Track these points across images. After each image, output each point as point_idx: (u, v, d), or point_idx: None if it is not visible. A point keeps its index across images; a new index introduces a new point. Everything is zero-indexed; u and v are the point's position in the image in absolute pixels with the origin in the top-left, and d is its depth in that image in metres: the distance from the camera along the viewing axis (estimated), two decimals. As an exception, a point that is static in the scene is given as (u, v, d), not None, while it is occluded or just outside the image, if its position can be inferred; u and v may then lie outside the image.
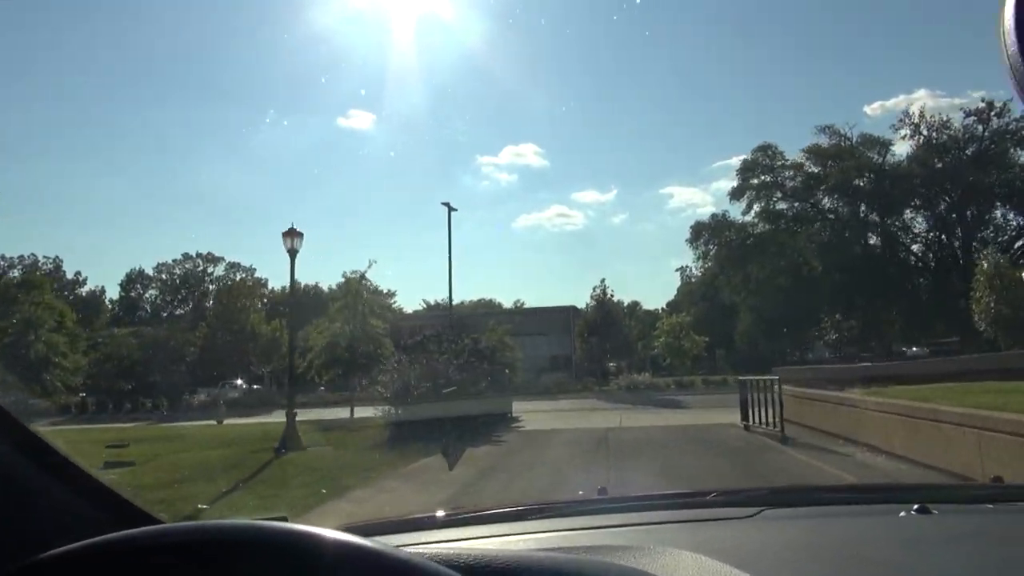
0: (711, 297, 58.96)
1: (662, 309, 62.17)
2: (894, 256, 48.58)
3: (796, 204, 50.63)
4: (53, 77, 68.18)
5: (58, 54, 69.50)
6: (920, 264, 48.96)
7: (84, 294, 70.92)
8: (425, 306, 64.67)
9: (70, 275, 70.58)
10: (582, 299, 47.04)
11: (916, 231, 48.62)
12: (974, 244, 44.75)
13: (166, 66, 74.09)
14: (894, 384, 16.90)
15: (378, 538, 0.74)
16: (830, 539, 1.48)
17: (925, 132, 45.26)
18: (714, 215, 53.10)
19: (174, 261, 66.65)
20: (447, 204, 36.87)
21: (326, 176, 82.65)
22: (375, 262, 29.57)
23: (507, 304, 68.30)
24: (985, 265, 35.19)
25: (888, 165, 47.89)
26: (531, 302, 66.51)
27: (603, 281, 43.33)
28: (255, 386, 46.85)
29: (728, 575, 1.04)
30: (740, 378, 17.35)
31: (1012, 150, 43.39)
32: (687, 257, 72.89)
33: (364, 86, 67.35)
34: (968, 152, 44.30)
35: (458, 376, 18.48)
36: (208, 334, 39.05)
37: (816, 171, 48.89)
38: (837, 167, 46.91)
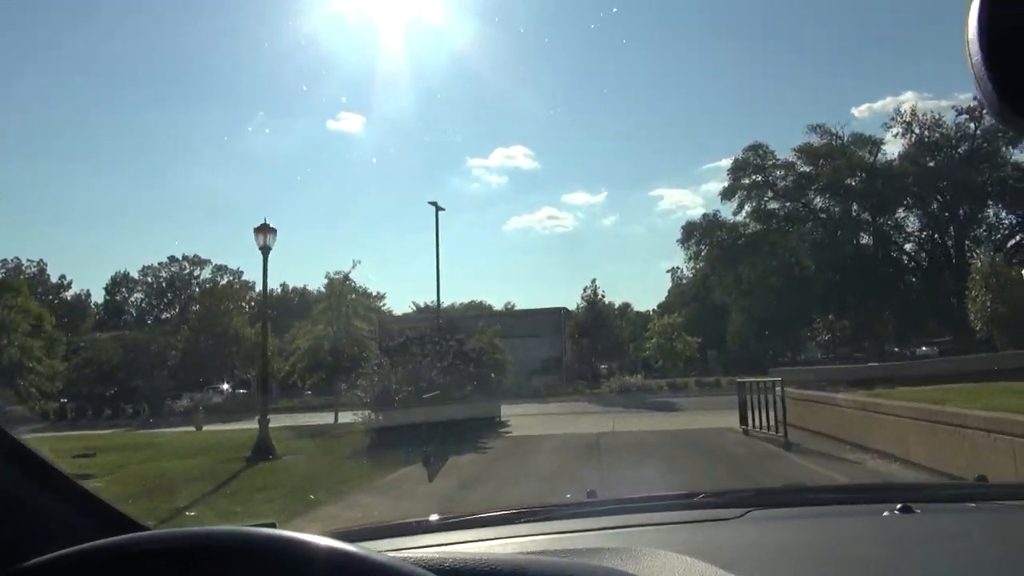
0: (702, 298, 58.13)
1: (653, 311, 61.32)
2: (887, 255, 47.86)
3: (787, 204, 49.87)
4: (39, 79, 66.86)
5: (43, 57, 68.17)
6: (913, 263, 48.25)
7: (69, 298, 69.56)
8: (415, 308, 63.66)
9: (55, 279, 69.37)
10: (573, 301, 46.16)
11: (909, 230, 48.00)
12: (967, 243, 44.06)
13: (154, 69, 73.17)
14: (899, 385, 15.99)
15: (367, 543, 0.75)
16: (815, 539, 1.47)
17: (917, 130, 44.62)
18: (705, 215, 52.40)
19: (160, 264, 65.45)
20: (434, 203, 35.81)
21: (315, 179, 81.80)
22: (359, 262, 28.51)
23: (498, 306, 67.39)
24: (979, 264, 34.49)
25: (880, 164, 47.19)
26: (522, 304, 65.62)
27: (593, 281, 42.42)
28: (241, 391, 45.66)
29: (713, 575, 1.03)
30: (738, 380, 16.40)
31: (1004, 148, 42.72)
32: (677, 259, 72.13)
33: (353, 89, 66.73)
34: (960, 150, 43.60)
35: (442, 379, 17.46)
36: (191, 338, 37.80)
37: (808, 170, 48.14)
38: (829, 166, 46.16)
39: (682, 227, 53.22)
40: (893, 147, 48.04)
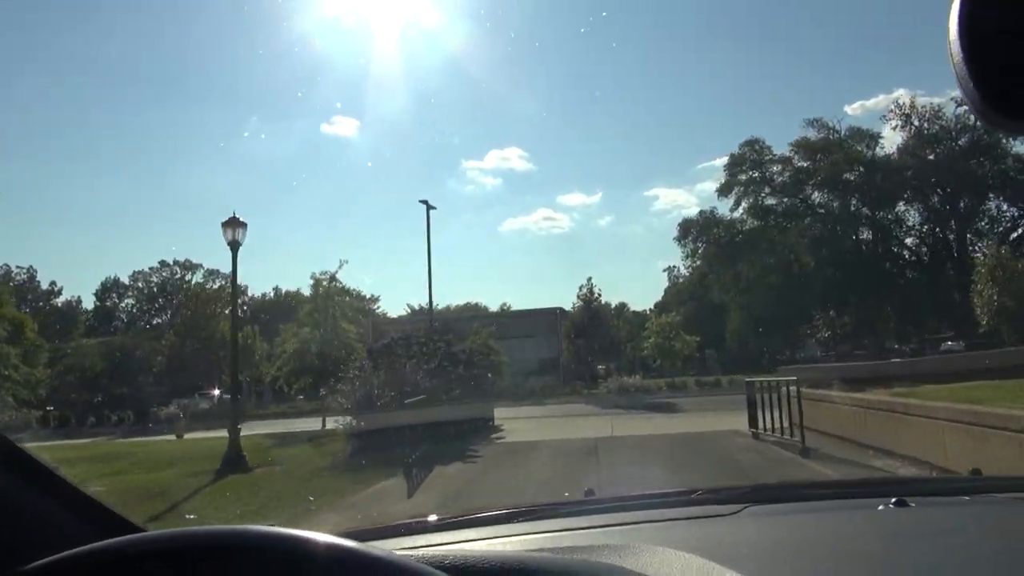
0: (700, 296, 56.91)
1: (650, 310, 60.02)
2: (887, 250, 46.64)
3: (785, 199, 48.64)
4: (32, 82, 65.49)
5: (36, 60, 66.85)
6: (913, 258, 46.99)
7: (60, 304, 68.13)
8: (409, 311, 62.30)
9: (45, 285, 67.96)
10: (570, 302, 44.75)
11: (909, 224, 46.71)
12: (968, 236, 42.89)
13: (148, 72, 72.07)
14: (915, 382, 14.72)
15: (368, 543, 0.71)
16: (812, 534, 1.48)
17: (916, 122, 43.33)
18: (702, 212, 51.11)
19: (151, 269, 63.99)
20: (425, 202, 34.46)
21: (310, 182, 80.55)
22: (346, 262, 27.09)
23: (494, 308, 66.04)
24: (982, 257, 33.41)
25: (878, 158, 45.95)
26: (518, 306, 64.34)
27: (590, 280, 41.01)
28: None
29: (712, 571, 1.04)
30: (747, 379, 15.07)
31: (1005, 140, 41.52)
32: (673, 259, 71.12)
33: (348, 92, 65.71)
34: (960, 143, 42.36)
35: (429, 382, 16.13)
36: (176, 343, 36.38)
37: (805, 165, 46.88)
38: (827, 160, 44.90)
39: (679, 224, 52.04)
40: (891, 141, 46.98)
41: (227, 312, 49.79)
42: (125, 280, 64.45)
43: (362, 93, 70.21)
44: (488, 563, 0.79)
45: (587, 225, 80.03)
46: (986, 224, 43.62)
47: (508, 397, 33.29)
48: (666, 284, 68.73)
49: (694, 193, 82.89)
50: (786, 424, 12.59)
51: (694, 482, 9.95)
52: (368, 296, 65.81)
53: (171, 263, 63.37)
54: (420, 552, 0.83)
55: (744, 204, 48.55)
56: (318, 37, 52.53)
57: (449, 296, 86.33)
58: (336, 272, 26.85)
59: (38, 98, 69.03)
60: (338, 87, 64.19)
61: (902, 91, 63.39)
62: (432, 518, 1.80)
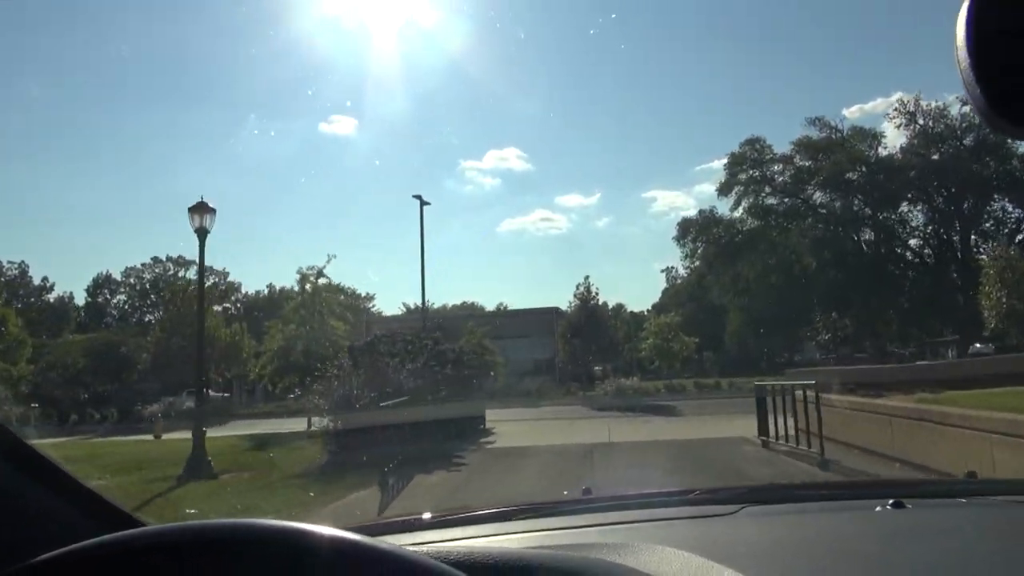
0: (698, 297, 55.66)
1: (647, 311, 58.77)
2: (890, 251, 45.39)
3: (786, 199, 47.36)
4: (30, 79, 64.26)
5: (31, 57, 65.51)
6: (917, 259, 45.72)
7: (52, 300, 66.76)
8: (405, 310, 61.03)
9: (37, 280, 66.56)
10: (567, 303, 43.45)
11: (913, 225, 45.43)
12: (973, 237, 41.69)
13: (144, 70, 70.50)
14: (931, 388, 13.44)
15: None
16: (808, 534, 1.47)
17: (921, 121, 42.07)
18: (702, 211, 49.77)
19: (143, 265, 62.63)
20: (419, 197, 33.17)
21: (308, 181, 79.20)
22: (335, 256, 25.86)
23: (491, 308, 64.76)
24: (989, 259, 32.26)
25: (881, 157, 44.72)
26: (516, 307, 63.10)
27: (587, 279, 39.64)
28: (224, 394, 42.90)
29: (710, 570, 1.04)
30: (756, 382, 13.84)
31: (1011, 140, 40.35)
32: (671, 260, 70.11)
33: (346, 92, 64.13)
34: (966, 142, 41.13)
35: (413, 383, 14.87)
36: (161, 340, 35.04)
37: (807, 164, 45.62)
38: (829, 160, 43.64)
39: (678, 224, 50.75)
40: (893, 141, 45.71)
41: (215, 308, 48.71)
42: (117, 276, 63.15)
43: (361, 92, 68.92)
44: (489, 559, 0.79)
45: (585, 226, 78.88)
46: (991, 226, 42.40)
47: (502, 398, 32.08)
48: (664, 285, 67.60)
49: (692, 195, 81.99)
50: (797, 431, 11.35)
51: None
52: (363, 294, 64.70)
53: (164, 259, 62.07)
54: (423, 549, 0.79)
55: (744, 204, 47.35)
56: (317, 36, 51.71)
57: (446, 296, 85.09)
58: (324, 267, 25.60)
59: (35, 95, 67.66)
60: (337, 86, 63.20)
61: (900, 94, 62.25)
62: (429, 515, 1.75)
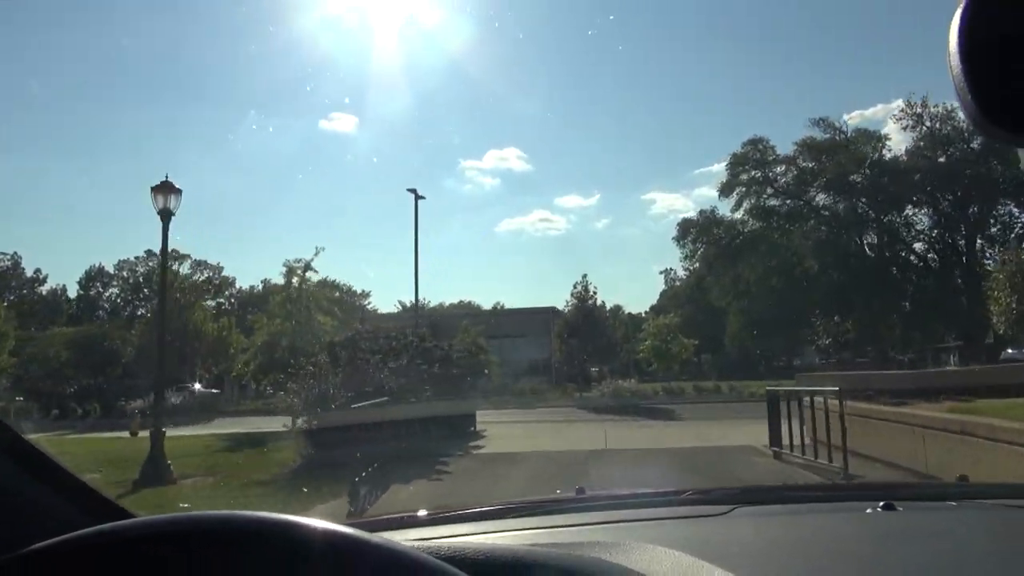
0: (697, 299, 54.45)
1: (645, 313, 57.57)
2: (894, 255, 44.16)
3: (788, 201, 46.12)
4: (27, 73, 62.92)
5: (29, 52, 64.27)
6: (921, 263, 44.48)
7: (44, 292, 65.53)
8: (401, 308, 59.80)
9: (30, 272, 65.31)
10: (564, 302, 42.21)
11: (918, 228, 44.19)
12: (979, 242, 40.52)
13: (143, 65, 69.67)
14: (970, 397, 12.20)
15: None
16: (800, 534, 1.46)
17: (928, 123, 40.84)
18: (702, 211, 48.48)
19: (136, 259, 61.32)
20: (414, 191, 32.03)
21: (307, 178, 78.28)
22: (323, 249, 24.56)
23: (488, 308, 63.52)
24: (998, 263, 31.11)
25: (886, 160, 43.50)
26: (513, 306, 61.99)
27: (584, 277, 38.36)
28: (214, 390, 41.66)
29: (700, 568, 1.04)
30: (768, 387, 12.61)
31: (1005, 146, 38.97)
32: (670, 262, 68.92)
33: (347, 90, 63.70)
34: (973, 145, 39.92)
35: (396, 382, 13.63)
36: (145, 333, 33.76)
37: (810, 166, 44.40)
38: (833, 161, 42.42)
39: (678, 224, 49.49)
40: (898, 143, 44.48)
41: (209, 303, 47.54)
42: (110, 269, 61.90)
43: (361, 90, 68.11)
44: (481, 555, 0.79)
45: (584, 227, 77.78)
46: (998, 230, 41.21)
47: (496, 398, 30.93)
48: (662, 287, 66.46)
49: (691, 198, 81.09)
50: (817, 443, 10.14)
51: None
52: (359, 292, 63.50)
53: (158, 253, 60.76)
54: (417, 545, 0.78)
55: (746, 205, 46.09)
56: (318, 34, 50.80)
57: (444, 295, 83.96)
58: (312, 260, 24.32)
59: (33, 89, 66.36)
60: (337, 84, 62.31)
61: (900, 102, 61.12)
62: (424, 513, 1.74)
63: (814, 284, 42.58)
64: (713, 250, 46.89)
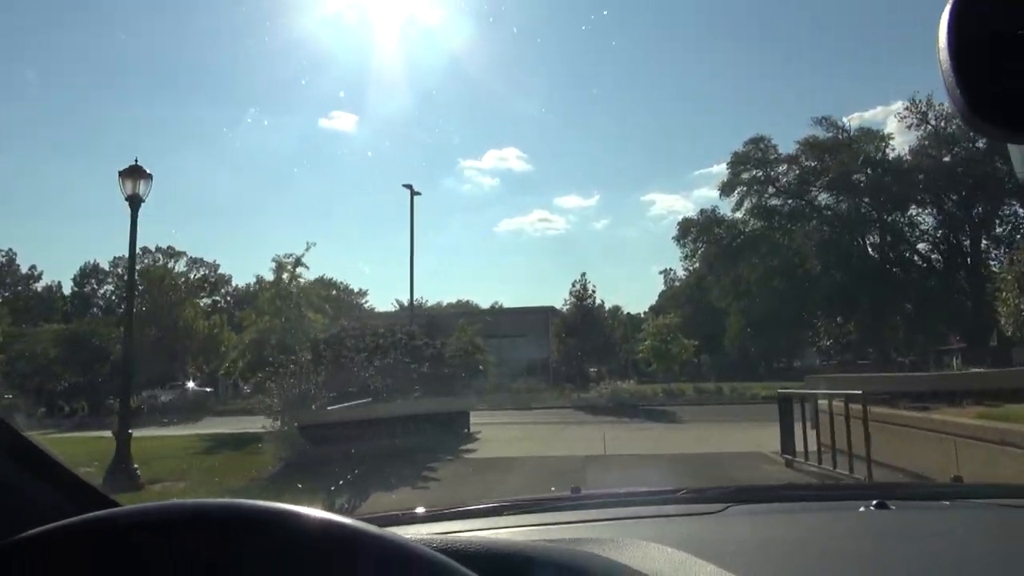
0: (697, 300, 53.52)
1: (644, 313, 56.67)
2: (898, 255, 43.25)
3: (790, 200, 45.20)
4: (25, 70, 62.05)
5: (27, 48, 63.38)
6: (925, 264, 43.54)
7: (39, 289, 64.60)
8: (398, 307, 58.92)
9: (25, 269, 64.40)
10: (563, 301, 41.28)
11: (922, 228, 43.26)
12: (985, 242, 39.66)
13: (142, 63, 68.91)
14: (996, 401, 11.30)
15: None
16: (793, 532, 1.46)
17: (932, 122, 39.91)
18: (703, 211, 47.56)
19: (132, 255, 60.32)
20: (409, 186, 31.13)
21: (307, 177, 77.40)
22: (314, 244, 23.63)
23: (486, 307, 62.68)
24: (1007, 263, 30.18)
25: (890, 159, 42.60)
26: (512, 306, 61.17)
27: (583, 275, 37.49)
28: (207, 389, 40.77)
29: (692, 565, 1.04)
30: (780, 390, 11.69)
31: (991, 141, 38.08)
32: (669, 263, 68.21)
33: (346, 89, 62.56)
34: (980, 144, 39.03)
35: (382, 381, 12.71)
36: (135, 329, 32.73)
37: (812, 165, 43.48)
38: (835, 160, 41.51)
39: (678, 223, 48.57)
40: (902, 143, 43.57)
41: (204, 301, 46.53)
42: (105, 266, 60.94)
43: (361, 90, 67.08)
44: (476, 548, 0.78)
45: (583, 228, 76.97)
46: (1004, 230, 40.36)
47: (492, 399, 30.06)
48: (661, 288, 65.58)
49: (691, 199, 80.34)
50: (835, 451, 9.24)
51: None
52: (356, 290, 62.66)
53: (153, 250, 59.80)
54: (414, 539, 0.74)
55: (747, 204, 45.23)
56: (318, 33, 50.07)
57: (443, 295, 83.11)
58: (303, 255, 23.39)
59: (30, 85, 65.57)
60: (337, 83, 61.50)
61: (900, 103, 60.24)
62: (421, 510, 1.74)
63: (816, 285, 41.68)
64: (714, 250, 46.01)
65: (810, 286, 42.04)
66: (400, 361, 14.14)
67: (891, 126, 45.30)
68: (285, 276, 23.44)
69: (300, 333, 22.54)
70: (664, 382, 36.95)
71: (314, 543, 0.60)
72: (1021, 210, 39.78)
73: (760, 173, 45.06)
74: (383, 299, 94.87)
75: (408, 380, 14.00)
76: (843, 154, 41.80)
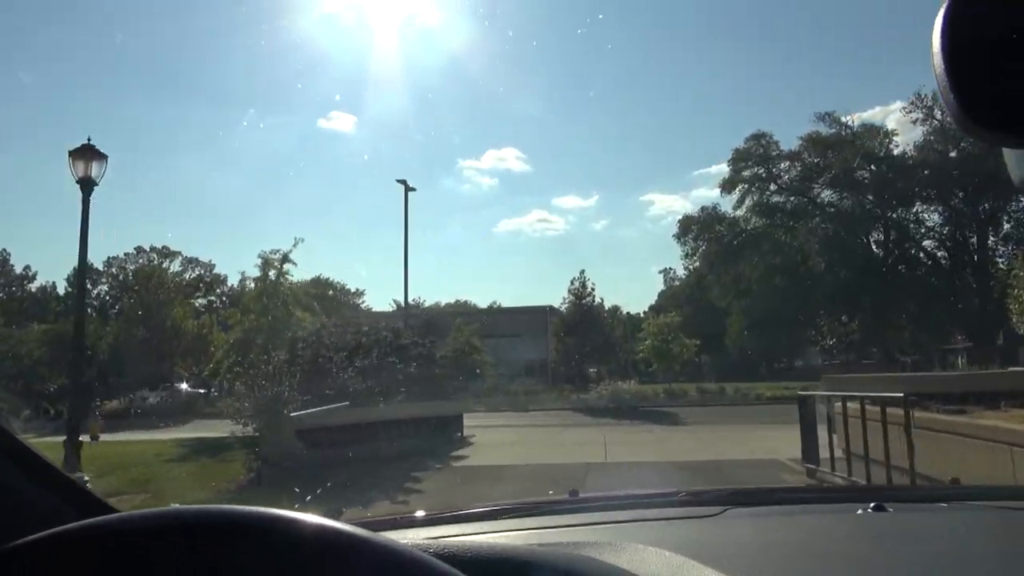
0: (697, 299, 52.36)
1: (644, 313, 55.55)
2: (903, 253, 42.08)
3: (792, 197, 44.04)
4: (23, 67, 60.88)
5: (25, 44, 62.17)
6: (930, 261, 42.38)
7: (34, 290, 63.48)
8: (396, 307, 57.81)
9: (19, 269, 63.29)
10: (561, 299, 40.14)
11: (928, 225, 42.06)
12: (992, 239, 38.56)
13: (141, 62, 67.38)
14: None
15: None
16: (790, 535, 1.45)
17: (938, 117, 38.70)
18: (704, 208, 46.36)
19: (126, 255, 59.24)
20: (403, 181, 30.00)
21: (305, 177, 76.14)
22: (302, 240, 22.43)
23: (484, 307, 61.61)
24: (1016, 260, 29.09)
25: (894, 155, 41.46)
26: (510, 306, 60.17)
27: (582, 273, 36.32)
28: (200, 390, 39.70)
29: (691, 568, 1.04)
30: (801, 392, 10.55)
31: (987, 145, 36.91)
32: (668, 263, 67.06)
33: (345, 89, 61.60)
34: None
35: (364, 383, 11.57)
36: (122, 329, 31.70)
37: (815, 161, 42.32)
38: (839, 157, 40.36)
39: (679, 221, 47.33)
40: (905, 141, 42.40)
41: (199, 301, 45.47)
42: (99, 267, 59.73)
43: (360, 90, 65.99)
44: (471, 552, 0.78)
45: (582, 228, 75.74)
46: (1012, 227, 39.18)
47: (489, 401, 28.96)
48: (661, 288, 64.46)
49: (690, 199, 79.25)
50: (869, 460, 8.11)
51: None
52: (353, 290, 61.58)
53: (148, 249, 58.72)
54: (411, 544, 0.73)
55: (748, 201, 44.03)
56: (316, 33, 48.94)
57: (442, 295, 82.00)
58: (290, 251, 22.24)
59: (27, 84, 64.21)
60: (335, 83, 60.18)
61: (899, 103, 59.11)
62: (419, 513, 1.72)
63: (819, 283, 40.51)
64: (714, 248, 44.84)
65: (813, 284, 40.88)
66: (384, 361, 12.99)
67: (890, 126, 44.22)
68: (272, 273, 22.26)
69: (288, 332, 21.43)
70: (665, 382, 35.88)
71: (310, 549, 0.59)
72: (1029, 207, 38.62)
73: (762, 170, 43.92)
74: (382, 300, 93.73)
75: (394, 381, 12.86)
76: (846, 150, 40.66)
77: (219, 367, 22.61)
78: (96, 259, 62.68)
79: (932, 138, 39.46)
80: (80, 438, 18.53)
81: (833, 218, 41.84)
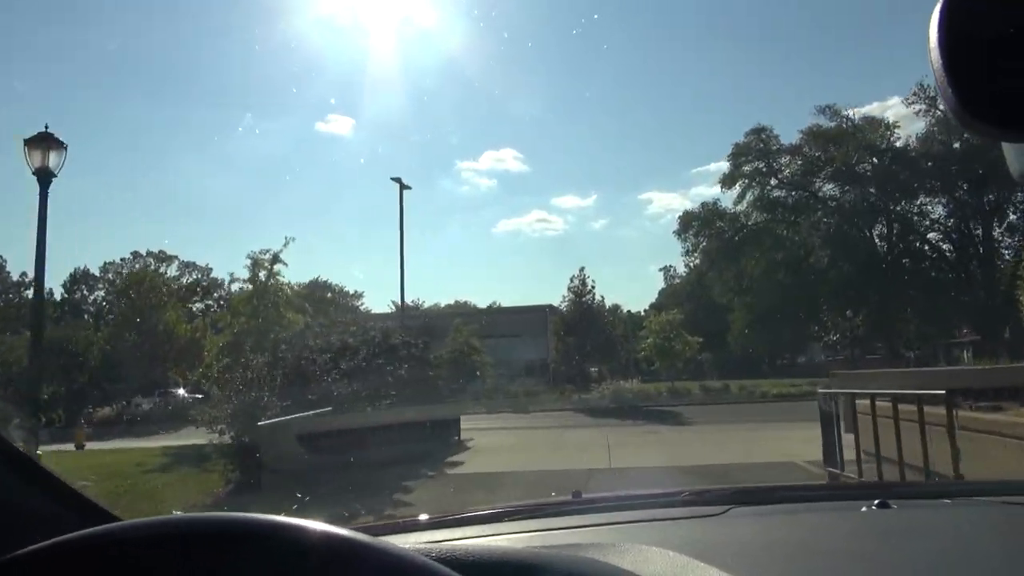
0: (698, 296, 51.53)
1: (644, 311, 54.70)
2: (907, 246, 41.25)
3: (794, 192, 43.19)
4: (18, 70, 60.15)
5: (20, 47, 61.54)
6: (935, 254, 41.53)
7: (30, 296, 62.70)
8: (394, 308, 57.02)
9: (15, 276, 62.46)
10: (561, 298, 39.31)
11: (932, 217, 41.22)
12: (998, 231, 37.74)
13: (140, 65, 67.15)
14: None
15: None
16: (795, 533, 1.43)
17: (942, 107, 37.85)
18: (704, 204, 45.53)
19: (123, 260, 58.47)
20: (398, 179, 29.18)
21: (303, 180, 75.70)
22: (293, 239, 21.57)
23: (483, 307, 60.82)
24: (1009, 253, 28.31)
25: (897, 148, 40.62)
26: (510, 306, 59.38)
27: (582, 270, 35.54)
28: (197, 396, 38.94)
29: (695, 568, 1.03)
30: (822, 390, 9.70)
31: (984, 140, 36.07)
32: (668, 262, 66.29)
33: (342, 92, 60.99)
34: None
35: (350, 387, 10.73)
36: (111, 335, 30.88)
37: (817, 155, 41.48)
38: (841, 150, 39.53)
39: (679, 217, 46.54)
40: (908, 133, 41.57)
41: (179, 304, 44.58)
42: (95, 272, 59.05)
43: (357, 92, 65.34)
44: (476, 556, 0.78)
45: (581, 227, 75.17)
46: (1017, 217, 38.36)
47: (489, 402, 28.19)
48: (661, 285, 63.65)
49: (689, 198, 78.52)
50: (903, 465, 7.26)
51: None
52: (352, 292, 60.84)
53: (144, 254, 57.95)
54: (415, 548, 0.73)
55: (749, 196, 43.23)
56: (313, 35, 48.52)
57: (442, 296, 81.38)
58: (281, 251, 21.37)
59: (24, 87, 63.56)
60: (333, 85, 60.03)
61: (896, 99, 58.09)
62: (423, 517, 1.69)
63: (822, 278, 39.70)
64: (715, 244, 44.03)
65: (816, 279, 40.07)
66: (372, 363, 12.17)
67: (894, 116, 43.37)
68: (262, 274, 21.41)
69: (278, 335, 20.59)
70: (668, 381, 35.07)
71: (313, 555, 0.59)
72: (1034, 198, 37.80)
73: (762, 164, 43.12)
74: (382, 302, 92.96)
75: (383, 384, 12.03)
76: (848, 143, 39.85)
77: (208, 371, 21.74)
78: (93, 265, 62.08)
79: (935, 129, 38.63)
80: (67, 446, 17.52)
81: (835, 212, 41.05)
